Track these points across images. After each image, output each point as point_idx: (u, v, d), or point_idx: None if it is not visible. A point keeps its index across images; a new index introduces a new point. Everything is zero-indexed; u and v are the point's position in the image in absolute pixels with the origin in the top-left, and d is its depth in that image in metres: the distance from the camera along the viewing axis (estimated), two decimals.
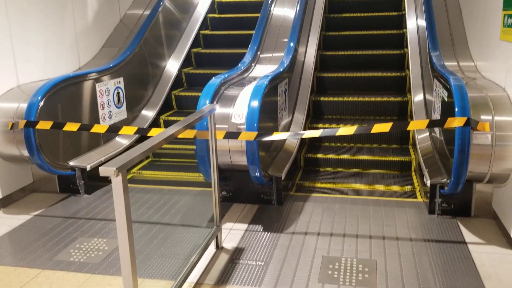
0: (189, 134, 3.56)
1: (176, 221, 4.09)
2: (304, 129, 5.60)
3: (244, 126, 3.78)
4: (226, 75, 4.45)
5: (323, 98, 6.11)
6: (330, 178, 5.13)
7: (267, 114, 4.25)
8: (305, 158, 5.47)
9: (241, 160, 3.86)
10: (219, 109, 3.91)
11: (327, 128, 4.75)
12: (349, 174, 5.21)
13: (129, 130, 3.86)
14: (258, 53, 5.51)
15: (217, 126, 3.84)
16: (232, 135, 3.68)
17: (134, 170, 5.54)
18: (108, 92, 5.29)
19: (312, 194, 4.64)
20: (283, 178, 4.25)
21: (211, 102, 3.92)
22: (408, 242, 3.57)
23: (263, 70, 5.13)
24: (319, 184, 4.97)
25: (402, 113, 5.94)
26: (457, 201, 3.98)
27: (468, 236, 3.64)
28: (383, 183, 4.94)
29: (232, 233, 3.82)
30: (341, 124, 5.79)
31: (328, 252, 3.45)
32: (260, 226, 3.93)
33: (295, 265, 3.27)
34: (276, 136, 3.59)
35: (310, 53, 6.26)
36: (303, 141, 5.67)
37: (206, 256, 3.41)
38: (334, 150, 5.60)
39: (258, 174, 3.84)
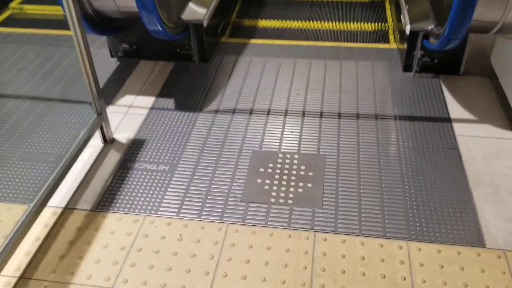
0: None
1: (53, 95, 2.91)
2: None
3: None
4: None
5: None
6: (279, 12, 3.84)
7: None
8: None
9: (130, 3, 2.53)
10: None
11: None
12: (305, 5, 3.92)
13: None
14: None
15: None
16: None
17: (14, 4, 4.05)
18: None
19: (251, 41, 3.43)
20: (205, 25, 2.97)
21: None
22: (372, 122, 2.58)
23: None
24: (262, 23, 3.70)
25: None
26: (443, 54, 2.89)
27: (454, 107, 2.66)
28: (347, 18, 3.71)
29: (132, 113, 2.73)
30: None
31: (261, 143, 2.46)
32: (172, 100, 2.83)
33: (211, 172, 2.30)
34: None
35: None
36: None
37: (87, 157, 2.38)
38: None
39: (159, 27, 2.54)
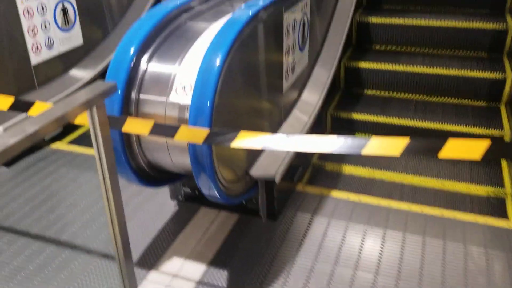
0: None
1: (95, 246, 2.53)
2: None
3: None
4: None
5: (373, 20, 4.06)
6: (368, 158, 3.30)
7: (249, 80, 2.35)
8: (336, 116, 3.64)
9: (187, 162, 2.13)
10: (152, 72, 2.12)
11: None
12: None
13: None
14: None
15: (148, 103, 2.10)
16: (161, 129, 1.91)
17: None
18: (44, 9, 3.54)
19: (331, 193, 2.90)
20: (277, 181, 2.49)
21: (133, 60, 2.10)
22: None
23: None
24: (348, 169, 3.20)
25: (496, 48, 3.81)
26: None
27: None
28: (452, 175, 3.09)
29: (175, 287, 2.25)
30: (398, 62, 3.79)
31: None
32: (225, 274, 2.31)
33: None
34: (241, 143, 1.79)
35: None
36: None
37: None
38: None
39: (216, 192, 2.10)
